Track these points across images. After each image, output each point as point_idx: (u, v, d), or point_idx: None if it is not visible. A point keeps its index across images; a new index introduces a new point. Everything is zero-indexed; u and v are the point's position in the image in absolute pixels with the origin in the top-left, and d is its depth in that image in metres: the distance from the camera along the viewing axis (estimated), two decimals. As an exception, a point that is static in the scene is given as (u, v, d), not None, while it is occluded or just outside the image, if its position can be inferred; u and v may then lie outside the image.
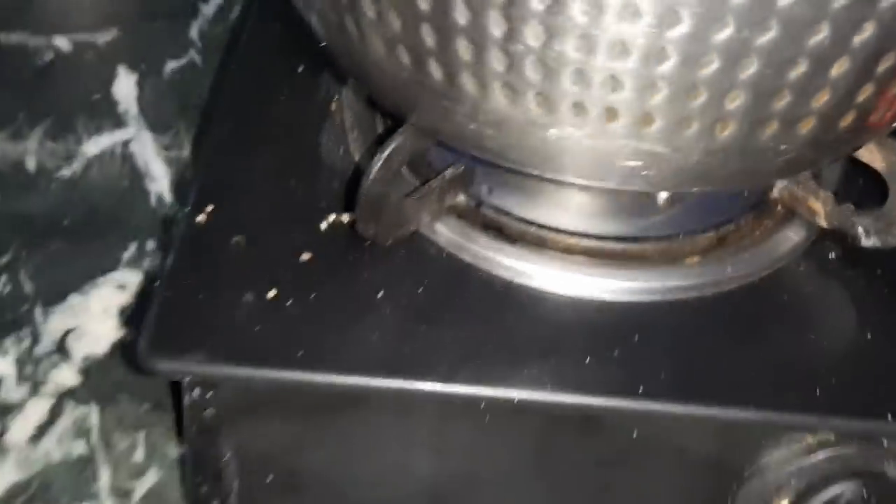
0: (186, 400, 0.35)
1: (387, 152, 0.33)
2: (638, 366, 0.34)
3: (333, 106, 0.43)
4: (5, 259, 0.49)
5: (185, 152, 0.56)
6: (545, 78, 0.27)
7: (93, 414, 0.43)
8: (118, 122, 0.57)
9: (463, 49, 0.27)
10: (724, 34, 0.24)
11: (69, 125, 0.57)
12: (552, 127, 0.28)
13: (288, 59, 0.45)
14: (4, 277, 0.48)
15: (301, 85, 0.44)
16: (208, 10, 0.66)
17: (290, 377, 0.33)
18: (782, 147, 0.28)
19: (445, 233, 0.38)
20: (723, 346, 0.36)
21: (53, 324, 0.47)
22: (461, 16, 0.26)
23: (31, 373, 0.45)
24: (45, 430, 0.43)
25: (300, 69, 0.45)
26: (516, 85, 0.27)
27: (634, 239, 0.38)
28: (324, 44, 0.34)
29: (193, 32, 0.64)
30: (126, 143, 0.56)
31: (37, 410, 0.43)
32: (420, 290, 0.36)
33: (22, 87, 0.59)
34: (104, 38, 0.63)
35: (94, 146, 0.56)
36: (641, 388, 0.33)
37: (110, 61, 0.61)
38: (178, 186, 0.54)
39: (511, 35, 0.26)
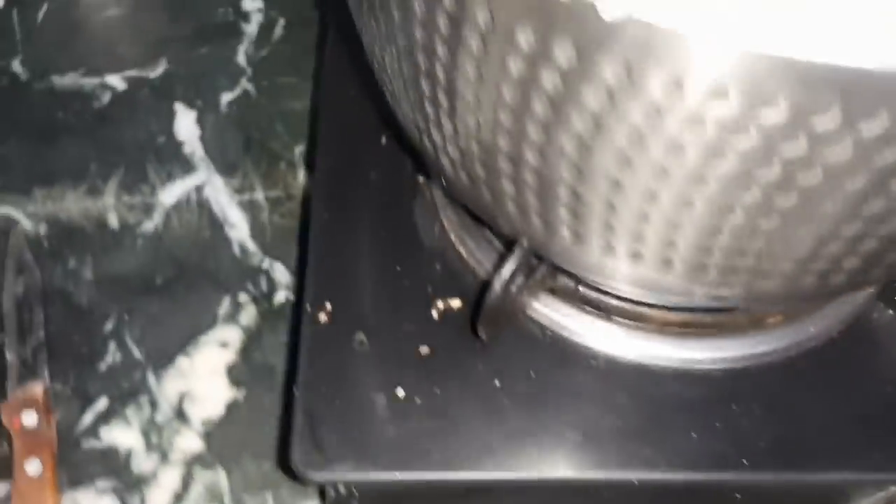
0: (331, 494, 0.39)
1: (504, 273, 0.36)
2: (739, 436, 0.38)
3: (421, 179, 0.45)
4: (110, 326, 0.52)
5: (258, 195, 0.58)
6: (668, 246, 0.29)
7: (221, 477, 0.47)
8: (187, 166, 0.59)
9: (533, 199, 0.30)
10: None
11: (141, 174, 0.59)
12: (666, 279, 0.31)
13: (370, 131, 0.47)
14: (113, 345, 0.51)
15: (387, 159, 0.46)
16: (251, 29, 0.67)
17: (426, 477, 0.37)
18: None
19: (547, 313, 0.41)
20: (811, 406, 0.39)
21: (167, 389, 0.50)
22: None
23: (157, 442, 0.48)
24: (182, 498, 0.46)
25: (383, 141, 0.46)
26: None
27: (724, 309, 0.41)
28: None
29: (240, 57, 0.65)
30: (199, 189, 0.58)
31: (170, 479, 0.47)
32: (531, 373, 0.40)
33: (87, 134, 0.60)
34: (155, 72, 0.64)
35: (168, 195, 0.58)
36: (745, 460, 0.37)
37: (166, 97, 0.62)
38: (257, 233, 0.56)
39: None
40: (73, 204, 0.57)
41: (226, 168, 0.59)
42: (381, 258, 0.43)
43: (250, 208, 0.57)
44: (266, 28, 0.67)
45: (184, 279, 0.54)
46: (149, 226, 0.56)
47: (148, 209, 0.57)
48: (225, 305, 0.53)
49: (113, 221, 0.56)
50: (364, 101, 0.47)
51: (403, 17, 0.27)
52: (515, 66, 0.24)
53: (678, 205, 0.27)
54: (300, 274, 0.53)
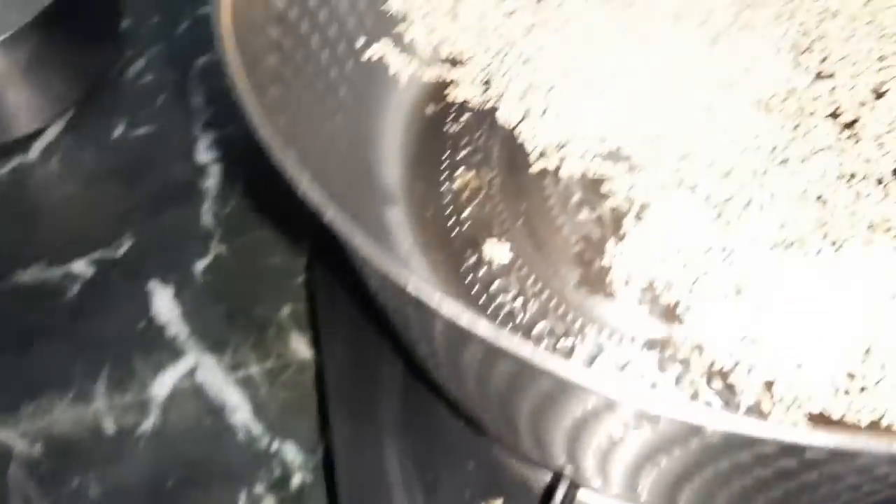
0: None
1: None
2: None
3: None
4: (131, 548, 0.50)
5: (252, 369, 0.56)
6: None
7: None
8: (173, 350, 0.57)
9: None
10: None
11: (128, 368, 0.56)
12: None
13: (371, 333, 0.45)
14: (138, 570, 0.49)
15: (394, 358, 0.45)
16: (211, 183, 0.65)
17: None
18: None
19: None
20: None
21: None
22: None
23: None
24: None
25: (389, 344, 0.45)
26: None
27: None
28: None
29: (206, 217, 0.63)
30: (191, 374, 0.56)
31: None
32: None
33: (63, 334, 0.58)
34: (121, 249, 0.62)
35: (161, 387, 0.56)
36: None
37: (138, 277, 0.60)
38: (259, 413, 0.54)
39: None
40: (63, 414, 0.55)
41: (214, 345, 0.57)
42: (413, 466, 0.41)
43: (247, 386, 0.55)
44: (227, 180, 0.65)
45: (194, 479, 0.52)
46: (146, 425, 0.54)
47: (142, 407, 0.55)
48: (242, 501, 0.51)
49: (109, 427, 0.54)
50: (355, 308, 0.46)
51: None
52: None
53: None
54: (327, 463, 0.51)
